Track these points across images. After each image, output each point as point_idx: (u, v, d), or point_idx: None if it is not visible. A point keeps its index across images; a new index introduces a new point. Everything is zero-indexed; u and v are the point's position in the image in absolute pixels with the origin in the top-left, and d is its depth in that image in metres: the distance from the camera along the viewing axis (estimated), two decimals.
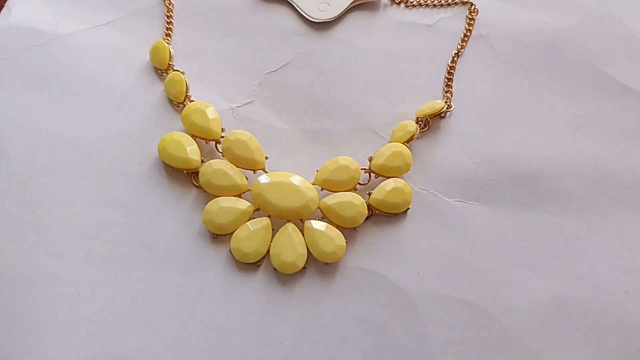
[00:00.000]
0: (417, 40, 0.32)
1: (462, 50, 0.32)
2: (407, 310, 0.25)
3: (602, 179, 0.28)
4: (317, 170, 0.28)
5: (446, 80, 0.31)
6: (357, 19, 0.33)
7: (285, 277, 0.26)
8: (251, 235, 0.26)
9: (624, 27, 0.33)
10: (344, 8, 0.32)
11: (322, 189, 0.27)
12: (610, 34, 0.33)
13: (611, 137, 0.30)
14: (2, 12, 0.31)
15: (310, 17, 0.32)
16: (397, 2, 0.33)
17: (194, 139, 0.28)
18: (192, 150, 0.27)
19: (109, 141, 0.28)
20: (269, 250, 0.26)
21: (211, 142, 0.28)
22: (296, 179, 0.27)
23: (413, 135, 0.28)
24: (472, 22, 0.33)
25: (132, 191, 0.27)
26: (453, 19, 0.33)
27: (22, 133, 0.27)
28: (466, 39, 0.32)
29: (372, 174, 0.28)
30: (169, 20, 0.31)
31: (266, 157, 0.28)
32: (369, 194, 0.27)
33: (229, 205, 0.26)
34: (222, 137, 0.28)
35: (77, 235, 0.26)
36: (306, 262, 0.26)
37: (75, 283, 0.25)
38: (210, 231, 0.26)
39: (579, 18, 0.33)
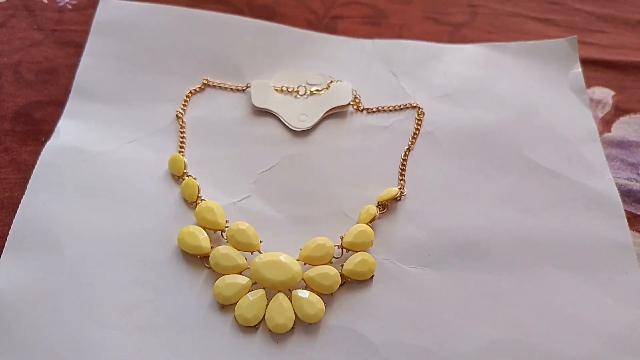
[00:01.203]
0: (376, 139, 0.40)
1: (413, 145, 0.40)
2: (374, 357, 0.31)
3: (526, 243, 0.35)
4: (301, 249, 0.34)
5: (400, 170, 0.38)
6: (329, 125, 0.41)
7: (278, 336, 0.32)
8: (251, 304, 0.32)
9: (542, 119, 0.41)
10: (319, 118, 0.41)
11: (305, 264, 0.34)
12: (532, 125, 0.41)
13: (533, 208, 0.37)
14: (52, 136, 0.39)
15: (292, 126, 0.40)
16: (360, 109, 0.42)
17: (205, 230, 0.35)
18: (203, 240, 0.34)
19: (139, 234, 0.34)
20: (264, 315, 0.32)
21: (218, 231, 0.35)
22: (284, 257, 0.33)
23: (374, 216, 0.36)
24: (420, 122, 0.41)
25: (158, 273, 0.33)
26: (405, 120, 0.41)
27: (73, 231, 0.34)
28: (416, 135, 0.40)
29: (343, 249, 0.35)
30: (182, 135, 0.40)
31: (261, 241, 0.35)
32: (342, 266, 0.34)
33: (232, 281, 0.33)
34: (226, 227, 0.35)
35: (118, 310, 0.32)
36: (294, 323, 0.32)
37: (119, 350, 0.30)
38: (218, 302, 0.32)
39: (507, 113, 0.41)
